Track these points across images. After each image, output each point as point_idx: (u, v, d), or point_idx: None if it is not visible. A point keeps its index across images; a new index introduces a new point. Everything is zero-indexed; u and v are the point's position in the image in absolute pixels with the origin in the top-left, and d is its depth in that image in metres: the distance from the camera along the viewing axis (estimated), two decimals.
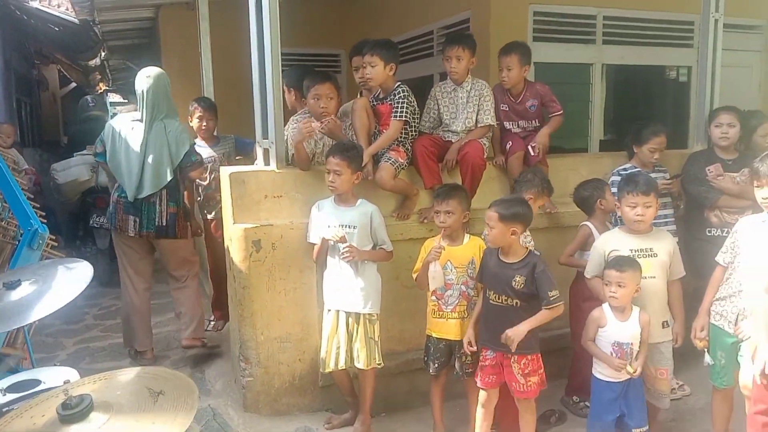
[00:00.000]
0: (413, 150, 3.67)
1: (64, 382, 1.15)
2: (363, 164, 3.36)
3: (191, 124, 4.84)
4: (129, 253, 4.33)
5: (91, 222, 6.34)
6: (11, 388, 1.70)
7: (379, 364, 3.29)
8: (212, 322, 5.00)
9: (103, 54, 11.07)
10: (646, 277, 3.09)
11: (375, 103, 3.70)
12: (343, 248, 3.19)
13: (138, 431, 1.05)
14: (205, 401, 3.76)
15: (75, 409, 1.09)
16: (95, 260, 2.94)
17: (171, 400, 1.12)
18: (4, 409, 1.52)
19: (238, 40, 4.96)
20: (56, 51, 12.40)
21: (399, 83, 3.61)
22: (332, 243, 3.24)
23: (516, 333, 2.93)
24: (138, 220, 4.15)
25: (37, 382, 1.75)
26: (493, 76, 4.25)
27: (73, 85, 16.24)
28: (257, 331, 3.51)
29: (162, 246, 4.31)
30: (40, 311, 1.74)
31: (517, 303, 3.02)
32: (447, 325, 3.25)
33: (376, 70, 3.51)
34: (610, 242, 3.24)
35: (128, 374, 1.29)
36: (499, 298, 3.06)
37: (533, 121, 4.04)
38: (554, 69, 5.70)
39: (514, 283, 3.00)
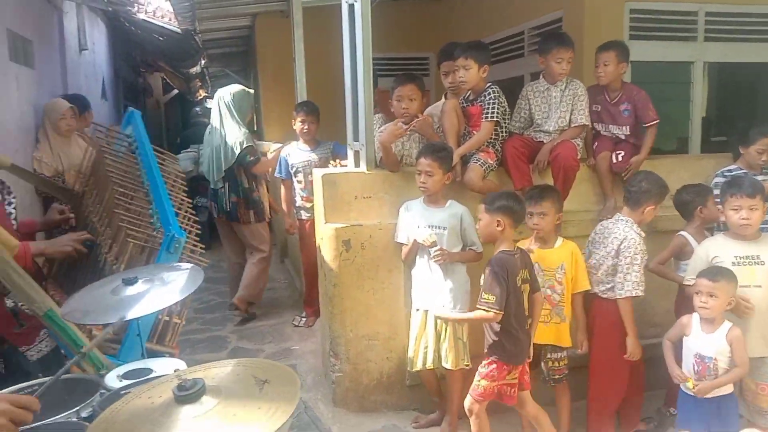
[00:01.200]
0: (503, 151, 3.64)
1: (174, 371, 1.23)
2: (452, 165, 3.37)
3: (294, 128, 5.08)
4: (220, 230, 5.53)
5: (194, 202, 6.90)
6: (126, 375, 1.83)
7: (466, 365, 3.29)
8: (304, 319, 5.17)
9: (203, 62, 11.62)
10: (751, 286, 2.93)
11: (465, 104, 3.70)
12: (435, 251, 3.21)
13: (245, 415, 1.11)
14: None
15: (189, 391, 1.17)
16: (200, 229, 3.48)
17: (275, 388, 1.18)
18: (122, 392, 1.64)
19: (330, 47, 5.12)
20: (160, 60, 13.12)
21: (490, 84, 3.59)
22: (421, 243, 3.27)
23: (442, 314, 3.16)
24: (216, 205, 5.31)
25: (149, 370, 1.88)
26: (587, 77, 4.15)
27: (176, 91, 17.14)
28: (347, 329, 3.59)
29: (235, 227, 5.33)
30: (148, 307, 1.88)
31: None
32: None
33: (470, 72, 3.51)
34: (713, 248, 3.08)
35: (236, 364, 1.36)
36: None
37: (624, 128, 3.88)
38: (652, 68, 5.47)
39: (482, 279, 3.00)
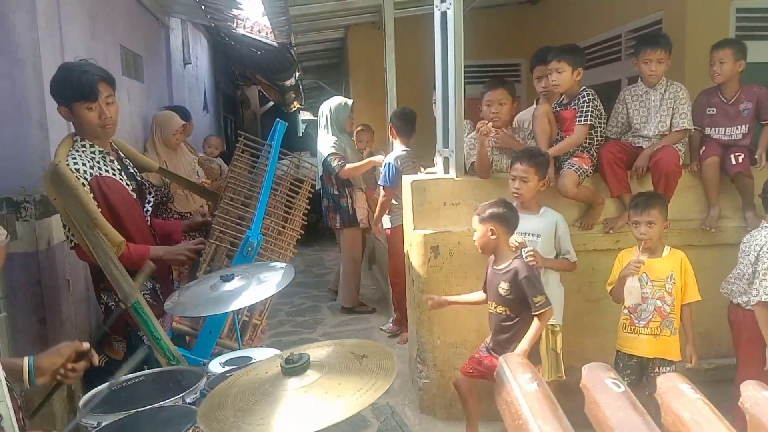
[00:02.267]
0: (599, 156, 3.53)
1: (275, 355, 1.32)
2: None
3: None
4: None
5: None
6: (227, 363, 1.94)
7: (560, 377, 3.19)
8: (391, 324, 5.20)
9: (297, 74, 12.02)
10: None
11: (558, 109, 3.62)
12: (527, 251, 3.15)
13: (348, 385, 1.20)
14: (384, 399, 3.91)
15: (296, 364, 1.26)
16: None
17: (373, 363, 1.26)
18: (227, 375, 1.76)
19: (419, 56, 5.18)
20: (257, 73, 13.69)
21: (584, 87, 3.50)
22: (513, 249, 3.21)
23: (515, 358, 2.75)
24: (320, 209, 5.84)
25: (249, 358, 1.97)
26: (689, 80, 3.95)
27: (271, 103, 17.82)
28: (434, 335, 3.58)
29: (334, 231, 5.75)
30: (244, 301, 1.98)
31: (504, 311, 2.92)
32: (638, 341, 3.07)
33: (563, 76, 3.43)
34: None
35: (335, 344, 1.48)
36: (492, 306, 2.99)
37: (742, 127, 3.66)
38: (762, 69, 5.15)
39: (500, 290, 2.87)
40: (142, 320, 2.34)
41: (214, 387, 1.45)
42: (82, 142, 2.58)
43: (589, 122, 3.42)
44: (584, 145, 3.50)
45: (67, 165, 2.43)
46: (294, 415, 1.18)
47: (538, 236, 3.20)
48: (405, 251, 3.90)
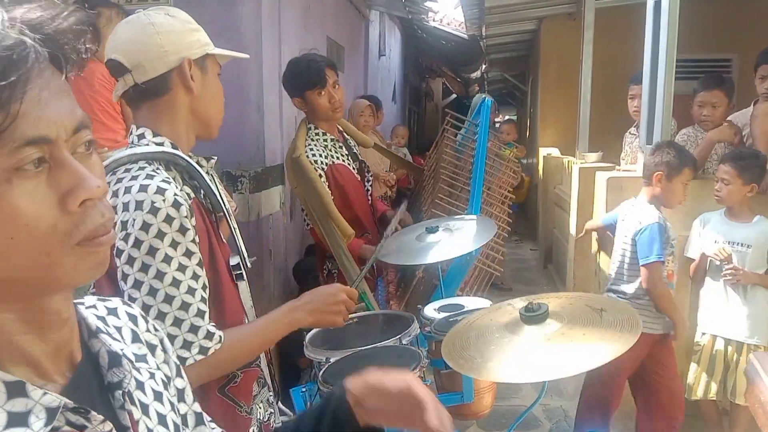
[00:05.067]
0: None
1: (506, 303, 1.36)
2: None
3: None
4: None
5: None
6: (441, 309, 2.02)
7: None
8: None
9: (483, 67, 12.00)
10: None
11: None
12: (727, 268, 2.90)
13: (592, 336, 1.19)
14: (557, 402, 3.83)
15: (536, 312, 1.28)
16: None
17: (613, 316, 1.23)
18: (450, 320, 1.83)
19: (614, 50, 4.95)
20: (443, 65, 13.88)
21: None
22: (717, 262, 2.96)
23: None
24: None
25: (461, 305, 2.03)
26: None
27: (453, 96, 17.99)
28: None
29: None
30: (446, 253, 2.08)
31: None
32: None
33: None
34: None
35: (569, 297, 1.47)
36: None
37: None
38: None
39: None
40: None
41: (442, 330, 1.56)
42: (316, 130, 2.77)
43: None
44: None
45: (306, 156, 2.62)
46: (544, 361, 1.21)
47: (748, 247, 2.92)
48: (593, 251, 3.75)
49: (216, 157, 1.47)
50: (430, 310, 2.02)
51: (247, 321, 1.43)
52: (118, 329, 0.77)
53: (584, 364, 1.15)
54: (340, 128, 2.96)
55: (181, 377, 0.84)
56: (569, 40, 6.39)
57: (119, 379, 0.68)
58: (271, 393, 1.49)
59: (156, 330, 0.83)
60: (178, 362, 0.85)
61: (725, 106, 3.36)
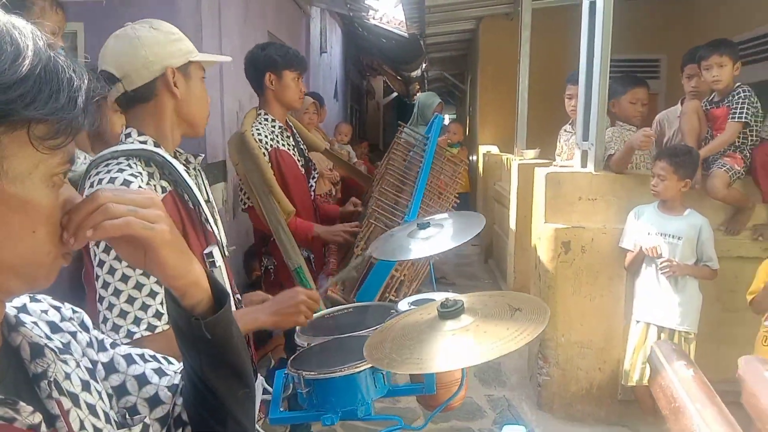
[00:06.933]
0: (752, 157, 3.31)
1: (446, 298, 1.44)
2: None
3: None
4: None
5: None
6: (414, 303, 2.08)
7: None
8: None
9: (423, 65, 12.13)
10: None
11: (709, 107, 3.43)
12: (662, 262, 3.04)
13: (494, 333, 1.29)
14: (500, 392, 3.92)
15: (451, 308, 1.38)
16: None
17: (525, 315, 1.34)
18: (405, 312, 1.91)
19: (551, 50, 5.10)
20: (384, 63, 13.94)
21: (739, 84, 3.29)
22: (650, 255, 3.10)
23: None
24: None
25: (432, 299, 2.09)
26: None
27: (394, 94, 18.10)
28: (558, 333, 3.52)
29: None
30: (441, 247, 2.09)
31: None
32: None
33: (724, 70, 3.24)
34: None
35: (495, 294, 1.57)
36: None
37: None
38: None
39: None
40: (301, 283, 2.51)
41: None
42: (266, 116, 2.77)
43: (744, 120, 3.22)
44: (737, 144, 3.29)
45: (252, 134, 2.63)
46: (441, 353, 1.31)
47: (679, 239, 3.07)
48: (532, 245, 3.85)
49: (203, 155, 1.63)
50: (404, 304, 2.07)
51: None
52: (35, 323, 0.78)
53: (474, 357, 1.25)
54: (291, 124, 2.95)
55: (104, 350, 0.86)
56: (507, 40, 6.53)
57: (43, 369, 0.70)
58: None
59: (75, 312, 0.85)
60: (101, 337, 0.88)
61: (649, 104, 3.56)
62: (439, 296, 2.15)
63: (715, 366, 3.43)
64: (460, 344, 1.31)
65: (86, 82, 0.68)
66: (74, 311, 0.85)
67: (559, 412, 3.61)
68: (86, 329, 0.85)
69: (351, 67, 12.55)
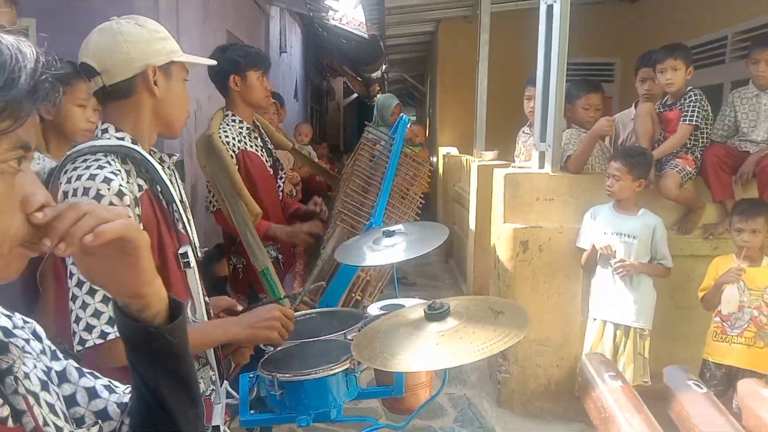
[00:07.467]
0: (703, 159, 3.42)
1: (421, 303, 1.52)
2: None
3: None
4: None
5: None
6: (383, 308, 2.10)
7: (646, 382, 3.13)
8: None
9: (383, 67, 12.15)
10: None
11: (662, 109, 3.53)
12: (615, 262, 3.11)
13: (479, 335, 1.35)
14: (461, 390, 3.95)
15: (437, 311, 1.42)
16: None
17: (508, 319, 1.41)
18: (380, 316, 1.92)
19: (509, 53, 5.16)
20: (344, 64, 13.92)
21: (691, 87, 3.40)
22: (605, 253, 3.17)
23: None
24: None
25: (401, 305, 2.10)
26: None
27: (355, 95, 18.08)
28: None
29: None
30: (404, 255, 2.11)
31: None
32: (730, 350, 2.97)
33: (678, 74, 3.33)
34: None
35: (477, 299, 1.64)
36: None
37: None
38: None
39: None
40: (268, 285, 2.52)
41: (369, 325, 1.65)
42: (233, 117, 2.74)
43: (694, 122, 3.32)
44: (688, 146, 3.40)
45: (219, 137, 2.59)
46: (428, 353, 1.35)
47: (634, 238, 3.15)
48: (492, 244, 3.90)
49: (178, 155, 1.62)
50: (374, 309, 2.08)
51: (194, 306, 1.51)
52: None
53: (460, 358, 1.30)
54: (258, 124, 2.93)
55: (57, 359, 0.85)
56: (466, 43, 6.59)
57: (8, 365, 0.70)
58: (213, 372, 1.57)
59: (26, 321, 0.83)
60: (53, 347, 0.86)
61: (602, 109, 3.64)
62: (408, 302, 2.19)
63: (669, 361, 3.52)
64: (447, 345, 1.35)
65: (34, 63, 0.64)
66: (25, 321, 0.83)
67: (518, 409, 3.66)
68: (38, 338, 0.83)
69: (311, 67, 12.49)
